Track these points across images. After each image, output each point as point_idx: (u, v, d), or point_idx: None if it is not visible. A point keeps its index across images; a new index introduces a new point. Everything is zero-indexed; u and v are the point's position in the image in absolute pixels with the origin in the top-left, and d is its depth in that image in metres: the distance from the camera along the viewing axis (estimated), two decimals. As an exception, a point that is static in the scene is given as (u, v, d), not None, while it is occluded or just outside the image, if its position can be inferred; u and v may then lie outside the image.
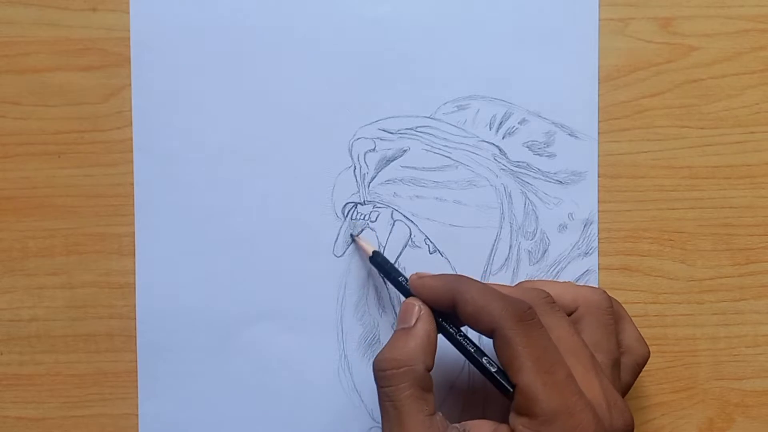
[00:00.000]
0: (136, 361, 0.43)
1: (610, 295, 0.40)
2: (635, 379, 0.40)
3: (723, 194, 0.44)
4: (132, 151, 0.43)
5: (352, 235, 0.43)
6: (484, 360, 0.36)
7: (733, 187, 0.44)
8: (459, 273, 0.42)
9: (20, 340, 0.43)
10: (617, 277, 0.44)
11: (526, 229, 0.43)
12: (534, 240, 0.43)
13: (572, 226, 0.43)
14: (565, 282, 0.42)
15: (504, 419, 0.35)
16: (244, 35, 0.43)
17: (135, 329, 0.43)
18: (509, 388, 0.35)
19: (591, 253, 0.43)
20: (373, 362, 0.37)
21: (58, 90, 0.43)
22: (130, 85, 0.43)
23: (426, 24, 0.43)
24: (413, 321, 0.37)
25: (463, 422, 0.36)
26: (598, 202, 0.43)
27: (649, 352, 0.40)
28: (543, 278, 0.43)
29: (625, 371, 0.39)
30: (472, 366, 0.37)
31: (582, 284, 0.42)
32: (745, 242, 0.44)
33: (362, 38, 0.43)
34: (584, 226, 0.43)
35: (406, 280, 0.40)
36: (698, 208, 0.44)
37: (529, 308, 0.36)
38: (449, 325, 0.38)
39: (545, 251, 0.43)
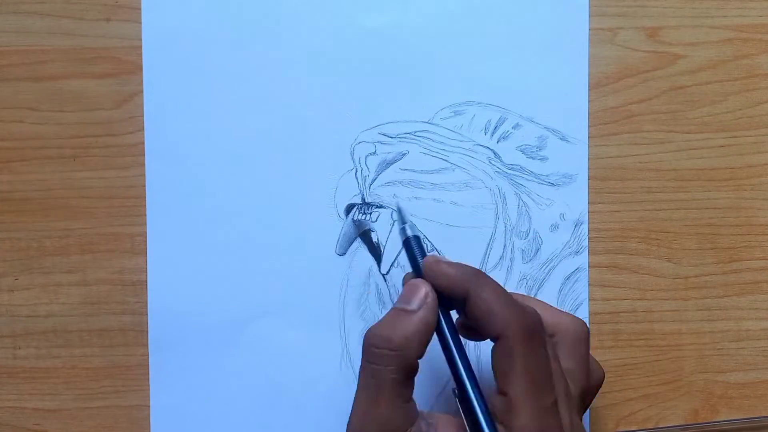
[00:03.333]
0: (148, 355, 0.43)
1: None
2: (592, 401, 0.39)
3: (707, 196, 0.44)
4: (144, 155, 0.43)
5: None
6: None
7: (716, 189, 0.44)
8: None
9: (37, 335, 0.44)
10: (606, 274, 0.44)
11: (519, 228, 0.44)
12: (527, 239, 0.44)
13: (563, 226, 0.44)
14: (548, 305, 0.39)
15: None
16: (251, 46, 0.43)
17: (147, 325, 0.43)
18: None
19: (581, 252, 0.44)
20: (366, 334, 0.35)
21: (74, 96, 0.43)
22: (141, 91, 0.43)
23: (424, 34, 0.44)
24: (416, 305, 0.35)
25: (432, 413, 0.35)
26: (588, 203, 0.44)
27: (604, 374, 0.39)
28: (536, 276, 0.44)
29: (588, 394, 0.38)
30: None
31: (564, 311, 0.39)
32: (729, 241, 0.44)
33: (364, 48, 0.44)
34: (575, 226, 0.44)
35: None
36: (683, 209, 0.44)
37: (538, 321, 0.34)
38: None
39: (538, 250, 0.44)
